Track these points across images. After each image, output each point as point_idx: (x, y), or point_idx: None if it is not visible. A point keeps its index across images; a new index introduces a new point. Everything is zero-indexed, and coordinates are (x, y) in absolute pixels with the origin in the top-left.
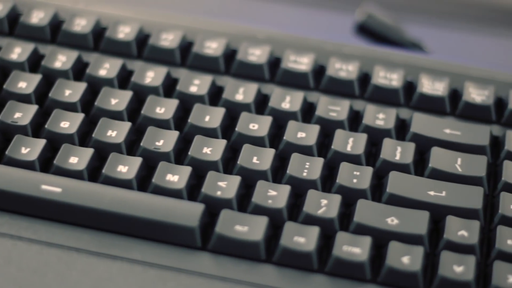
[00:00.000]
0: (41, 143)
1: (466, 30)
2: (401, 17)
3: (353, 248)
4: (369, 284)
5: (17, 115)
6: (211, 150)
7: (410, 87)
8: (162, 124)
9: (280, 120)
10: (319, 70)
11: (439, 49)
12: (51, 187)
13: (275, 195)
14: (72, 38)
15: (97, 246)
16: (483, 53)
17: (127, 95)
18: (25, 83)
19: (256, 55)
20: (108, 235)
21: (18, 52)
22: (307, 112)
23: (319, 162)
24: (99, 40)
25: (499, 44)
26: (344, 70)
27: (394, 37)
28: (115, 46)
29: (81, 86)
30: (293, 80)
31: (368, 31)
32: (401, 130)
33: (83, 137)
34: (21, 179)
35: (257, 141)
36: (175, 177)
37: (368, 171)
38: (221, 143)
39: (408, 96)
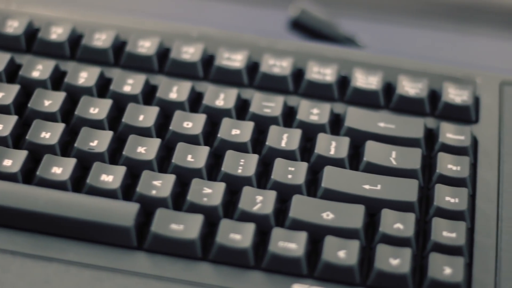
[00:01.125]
0: None
1: (400, 23)
2: (334, 12)
3: (289, 244)
4: (306, 279)
5: None
6: (145, 149)
7: (344, 81)
8: (96, 124)
9: (214, 117)
10: (252, 67)
11: (373, 43)
12: None
13: (210, 193)
14: (4, 40)
15: (32, 248)
16: (417, 46)
17: (60, 96)
18: None
19: (190, 53)
20: (43, 237)
21: None
22: (241, 109)
23: (254, 158)
24: (32, 41)
25: (432, 36)
26: (277, 66)
27: (327, 32)
28: (48, 47)
29: (14, 88)
30: (227, 77)
31: (302, 27)
32: (336, 124)
33: (17, 139)
34: None
35: (191, 139)
36: (110, 177)
37: (303, 166)
38: (156, 142)
39: (342, 90)
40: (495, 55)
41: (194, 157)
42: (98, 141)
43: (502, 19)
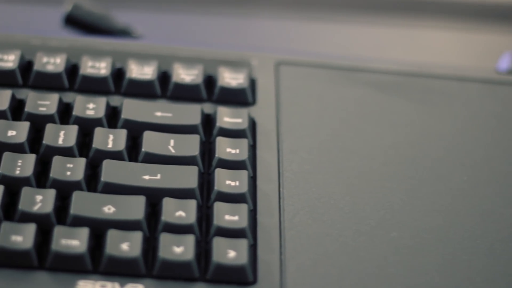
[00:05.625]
0: None
1: (175, 11)
2: (109, 5)
3: (71, 241)
4: (92, 275)
5: None
6: None
7: (119, 74)
8: None
9: None
10: (26, 67)
11: (149, 33)
12: None
13: None
14: None
15: None
16: (193, 33)
17: None
18: None
19: None
20: None
21: None
22: (17, 110)
23: (31, 158)
24: None
25: (208, 22)
26: (51, 63)
27: (103, 25)
28: None
29: None
30: (1, 79)
31: (76, 22)
32: (113, 118)
33: None
34: None
35: None
36: None
37: (81, 162)
38: None
39: (118, 83)
40: (270, 36)
41: None
42: None
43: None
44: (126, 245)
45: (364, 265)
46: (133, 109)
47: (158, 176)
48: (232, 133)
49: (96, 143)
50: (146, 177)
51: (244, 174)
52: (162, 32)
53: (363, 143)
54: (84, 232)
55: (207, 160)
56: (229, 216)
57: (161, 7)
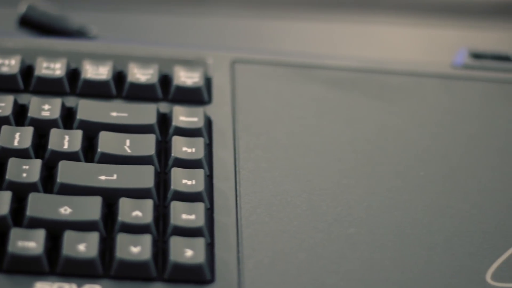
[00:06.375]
0: None
1: (132, 11)
2: (65, 5)
3: (28, 243)
4: (49, 276)
5: None
6: None
7: (74, 74)
8: None
9: None
10: None
11: (106, 33)
12: None
13: None
14: None
15: None
16: (150, 32)
17: None
18: None
19: None
20: None
21: None
22: None
23: None
24: None
25: (166, 21)
26: (6, 65)
27: (57, 26)
28: None
29: None
30: None
31: (31, 24)
32: (69, 119)
33: None
34: None
35: None
36: None
37: (37, 163)
38: None
39: (73, 84)
40: (225, 34)
41: None
42: None
43: None
44: (83, 246)
45: (322, 262)
46: (88, 109)
47: (114, 176)
48: (188, 132)
49: (52, 144)
50: (102, 177)
51: (200, 173)
52: (117, 32)
53: (320, 140)
54: (41, 233)
55: (163, 160)
56: (186, 215)
57: (116, 7)
